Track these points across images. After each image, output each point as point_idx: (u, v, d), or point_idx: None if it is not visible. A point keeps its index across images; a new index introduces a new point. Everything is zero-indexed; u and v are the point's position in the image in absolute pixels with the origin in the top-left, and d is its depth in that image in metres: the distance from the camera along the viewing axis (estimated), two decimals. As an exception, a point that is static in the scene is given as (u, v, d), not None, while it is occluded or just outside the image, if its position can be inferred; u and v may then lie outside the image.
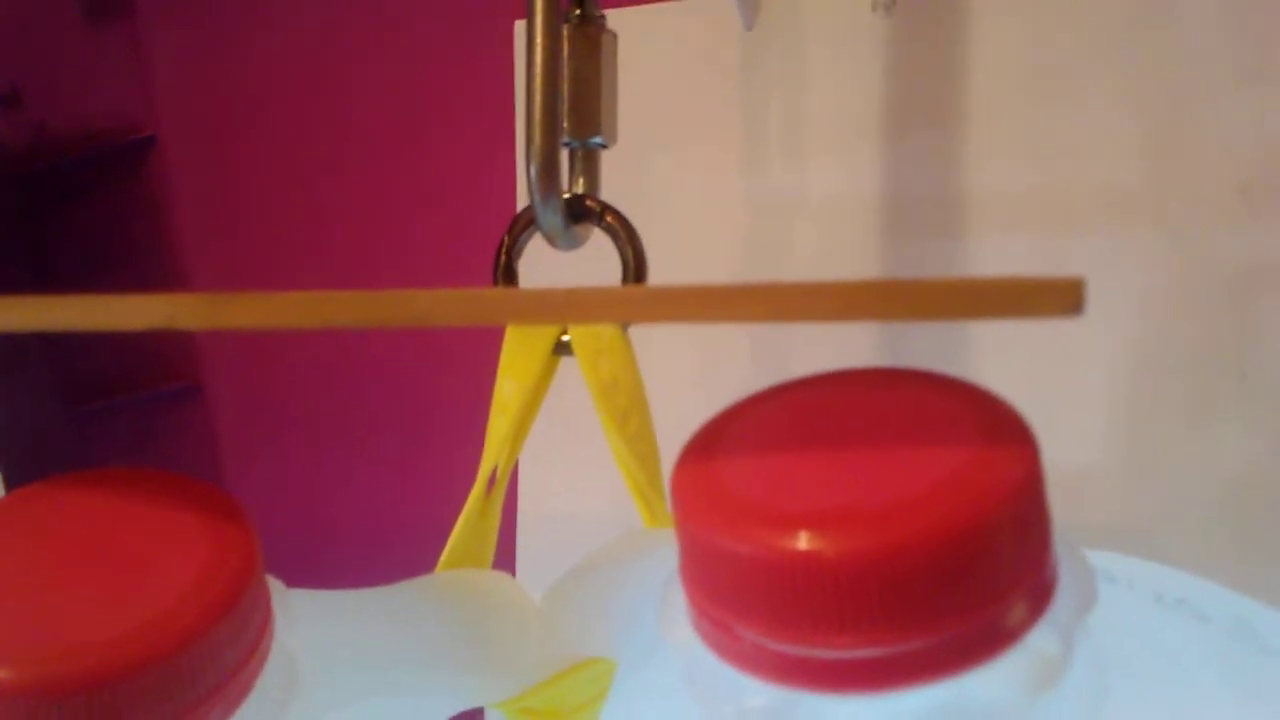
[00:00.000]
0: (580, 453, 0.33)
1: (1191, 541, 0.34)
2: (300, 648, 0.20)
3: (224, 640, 0.18)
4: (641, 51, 0.31)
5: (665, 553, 0.21)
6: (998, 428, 0.15)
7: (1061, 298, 0.13)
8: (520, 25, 0.40)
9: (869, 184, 0.36)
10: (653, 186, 0.38)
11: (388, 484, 0.44)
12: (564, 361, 0.26)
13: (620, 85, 0.27)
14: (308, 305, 0.16)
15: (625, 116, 0.27)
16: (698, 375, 0.35)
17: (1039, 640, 0.15)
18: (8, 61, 0.49)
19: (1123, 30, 0.34)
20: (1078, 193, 0.35)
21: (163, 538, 0.18)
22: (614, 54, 0.27)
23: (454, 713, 0.23)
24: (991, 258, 0.35)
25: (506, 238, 0.26)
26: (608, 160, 0.27)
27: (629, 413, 0.25)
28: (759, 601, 0.14)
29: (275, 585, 0.20)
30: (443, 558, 0.26)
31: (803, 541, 0.14)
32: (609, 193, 0.27)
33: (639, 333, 0.26)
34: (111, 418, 0.49)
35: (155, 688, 0.17)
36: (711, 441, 0.16)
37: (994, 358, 0.34)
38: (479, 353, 0.27)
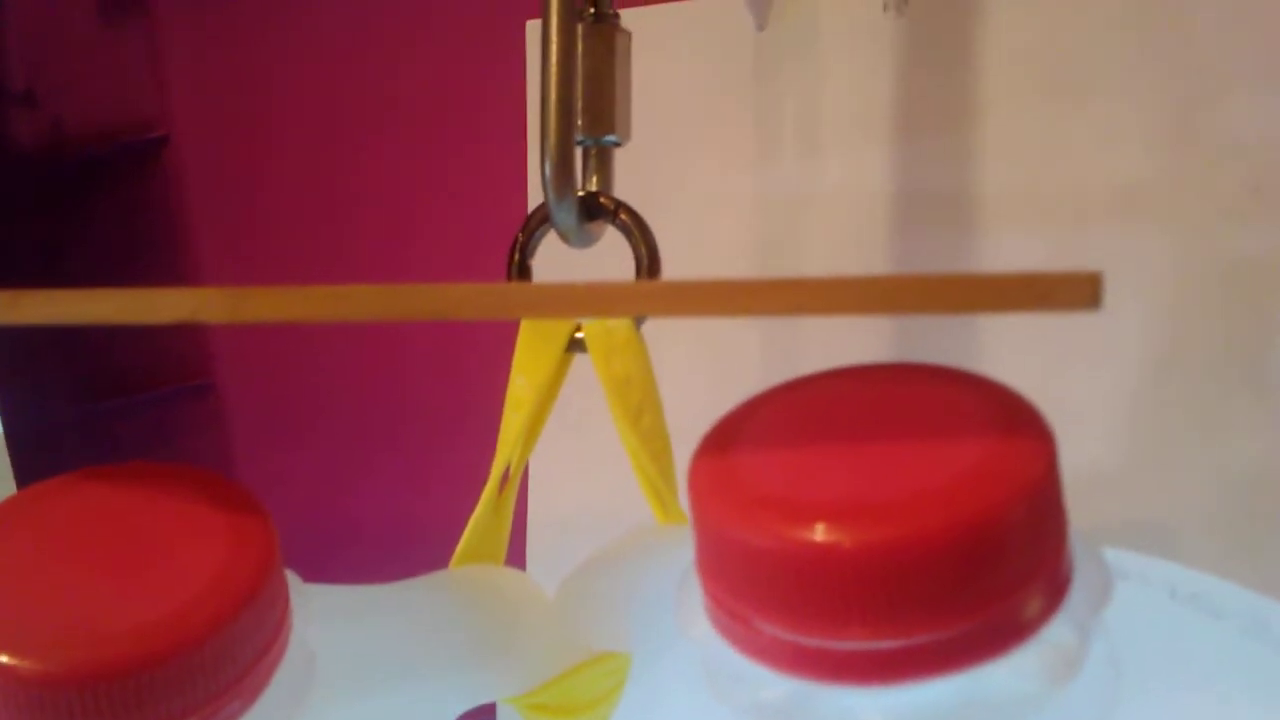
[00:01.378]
0: (590, 452, 0.33)
1: (1203, 539, 0.34)
2: (318, 641, 0.20)
3: (243, 632, 0.18)
4: (654, 51, 0.31)
5: (679, 547, 0.22)
6: (1015, 422, 0.15)
7: (1079, 292, 0.13)
8: (533, 24, 0.40)
9: (881, 182, 0.36)
10: (665, 185, 0.38)
11: (400, 481, 0.44)
12: (575, 359, 0.26)
13: (633, 84, 0.27)
14: (328, 299, 0.16)
15: (638, 115, 0.28)
16: (708, 374, 0.35)
17: (1055, 633, 0.15)
18: (23, 60, 0.49)
19: (1135, 28, 0.34)
20: (1090, 190, 0.35)
21: (182, 531, 0.18)
22: (628, 53, 0.27)
23: (467, 708, 0.24)
24: (1003, 255, 0.35)
25: (521, 235, 0.26)
26: (620, 159, 0.27)
27: (642, 409, 0.25)
28: (776, 593, 0.15)
29: (293, 579, 0.20)
30: (456, 554, 0.26)
31: (820, 533, 0.14)
32: (621, 191, 0.27)
33: (649, 331, 0.27)
34: (126, 415, 0.49)
35: (175, 679, 0.17)
36: (729, 435, 0.16)
37: (1005, 356, 0.34)
38: (492, 351, 0.28)
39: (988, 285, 0.14)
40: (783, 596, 0.14)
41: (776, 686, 0.15)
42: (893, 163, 0.36)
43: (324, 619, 0.21)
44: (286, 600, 0.19)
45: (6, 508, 0.19)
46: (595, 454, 0.34)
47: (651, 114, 0.29)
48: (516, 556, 0.38)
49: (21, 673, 0.16)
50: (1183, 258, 0.34)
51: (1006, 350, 0.34)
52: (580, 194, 0.25)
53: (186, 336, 0.47)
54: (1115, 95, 0.34)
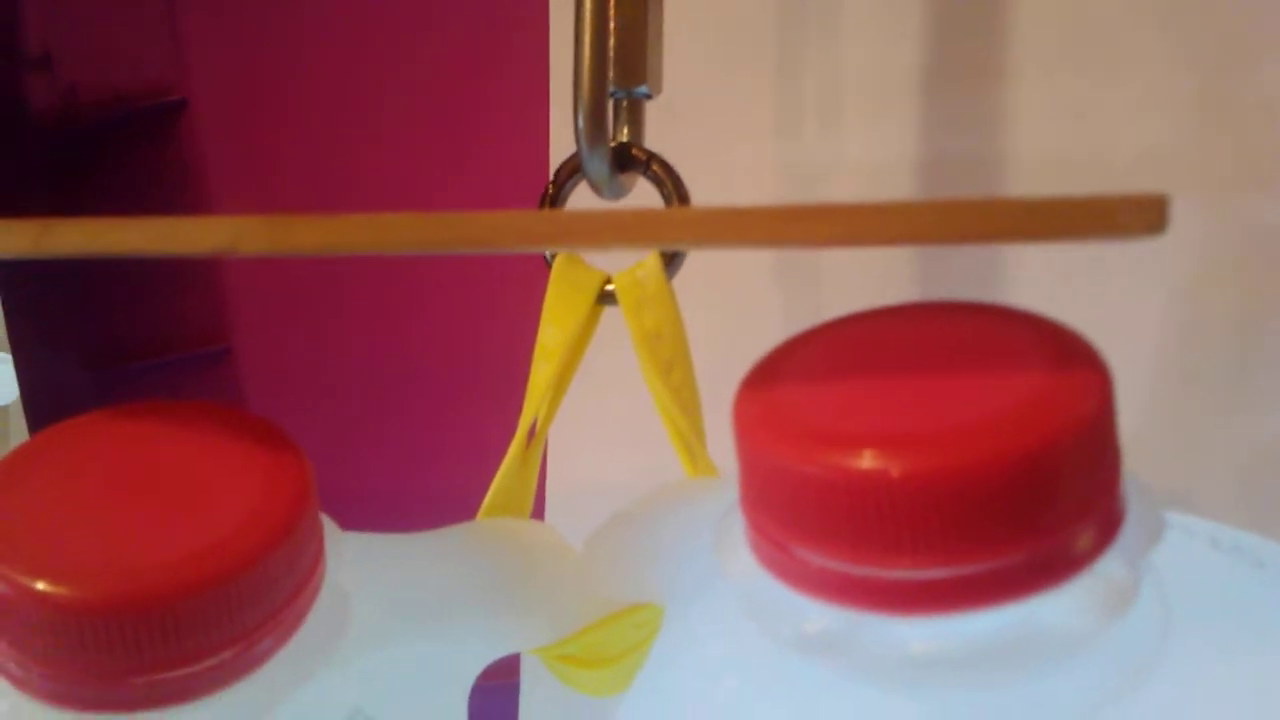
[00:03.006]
0: (610, 413, 0.33)
1: (1224, 511, 0.34)
2: (351, 585, 0.20)
3: (279, 568, 0.18)
4: (686, 4, 0.31)
5: (709, 500, 0.21)
6: (1069, 356, 0.15)
7: (1143, 215, 0.13)
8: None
9: (907, 146, 0.36)
10: (684, 152, 0.38)
11: (422, 446, 0.44)
12: (606, 313, 0.26)
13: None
14: (370, 228, 0.16)
15: (667, 69, 0.27)
16: (733, 331, 0.34)
17: (1108, 568, 0.15)
18: (39, 24, 0.49)
19: (1169, -9, 0.34)
20: (1117, 157, 0.34)
21: (219, 466, 0.18)
22: (660, 4, 0.27)
23: (496, 657, 0.23)
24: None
25: (551, 186, 0.26)
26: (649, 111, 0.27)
27: (673, 363, 0.25)
28: (822, 522, 0.14)
29: (328, 524, 0.20)
30: (483, 507, 0.26)
31: (868, 460, 0.14)
32: (650, 144, 0.27)
33: (678, 285, 0.26)
34: (140, 382, 0.49)
35: (209, 612, 0.17)
36: (777, 367, 0.16)
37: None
38: (515, 312, 0.27)
39: (1046, 209, 0.14)
40: (830, 525, 0.14)
41: (822, 616, 0.15)
42: (919, 125, 0.36)
43: (357, 563, 0.21)
44: (321, 540, 0.19)
45: (37, 442, 0.19)
46: (617, 418, 0.34)
47: (671, 77, 0.28)
48: (536, 513, 0.38)
49: (58, 599, 0.16)
50: (1210, 226, 0.34)
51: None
52: (612, 145, 0.25)
53: (204, 301, 0.47)
54: (1144, 61, 0.34)
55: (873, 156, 0.37)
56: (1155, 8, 0.34)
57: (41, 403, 0.49)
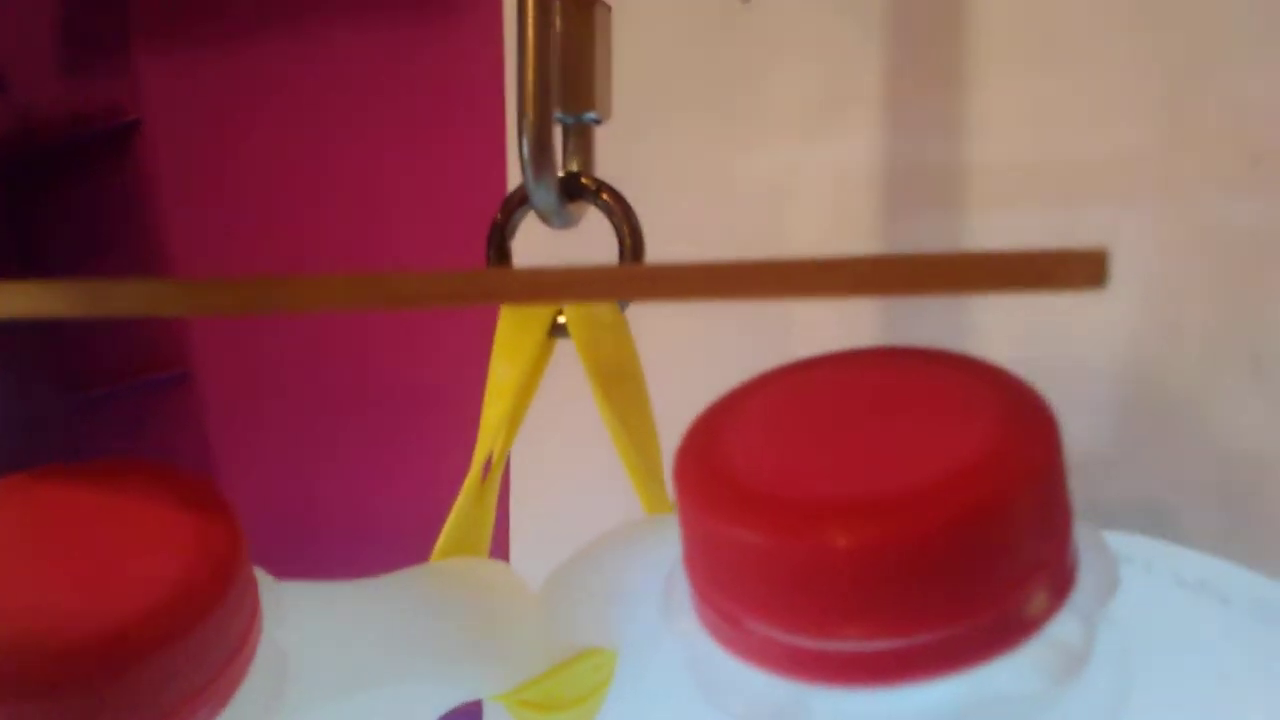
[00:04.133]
0: (575, 440, 0.32)
1: (1202, 518, 0.33)
2: (291, 641, 0.19)
3: (209, 638, 0.17)
4: (634, 25, 0.31)
5: (667, 540, 0.21)
6: (1018, 409, 0.14)
7: (1084, 270, 0.12)
8: (511, -1, 0.39)
9: (869, 156, 0.36)
10: (644, 166, 0.37)
11: (381, 472, 0.44)
12: (559, 344, 0.26)
13: (612, 61, 0.26)
14: (298, 290, 0.15)
15: (617, 92, 0.27)
16: (695, 361, 0.34)
17: (1061, 629, 0.14)
18: (-10, 45, 0.48)
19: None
20: (1084, 163, 0.34)
21: (147, 532, 0.18)
22: (608, 27, 0.26)
23: (453, 705, 0.23)
24: (997, 230, 0.34)
25: (500, 216, 0.25)
26: (599, 138, 0.26)
27: (627, 397, 0.24)
28: (767, 591, 0.14)
29: (264, 578, 0.19)
30: (438, 546, 0.25)
31: (814, 528, 0.13)
32: (601, 171, 0.26)
33: (634, 318, 0.26)
34: (103, 406, 0.48)
35: (137, 688, 0.16)
36: (716, 424, 0.15)
37: (996, 333, 0.33)
38: (472, 338, 0.27)
39: (986, 264, 0.13)
40: (774, 594, 0.14)
41: (769, 689, 0.14)
42: (881, 135, 0.35)
43: (298, 617, 0.20)
44: (256, 601, 0.19)
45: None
46: (582, 445, 0.33)
47: (631, 91, 0.28)
48: (499, 550, 0.38)
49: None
50: (1180, 231, 0.33)
51: (998, 328, 0.34)
52: (561, 174, 0.24)
53: (164, 327, 0.46)
54: (1110, 65, 0.34)
55: (836, 166, 0.36)
56: (1121, 11, 0.33)
57: (6, 426, 0.48)
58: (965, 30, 0.35)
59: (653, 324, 0.26)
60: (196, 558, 0.17)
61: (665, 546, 0.19)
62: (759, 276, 0.14)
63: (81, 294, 0.17)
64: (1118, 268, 0.36)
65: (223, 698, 0.17)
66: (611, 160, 0.27)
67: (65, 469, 0.19)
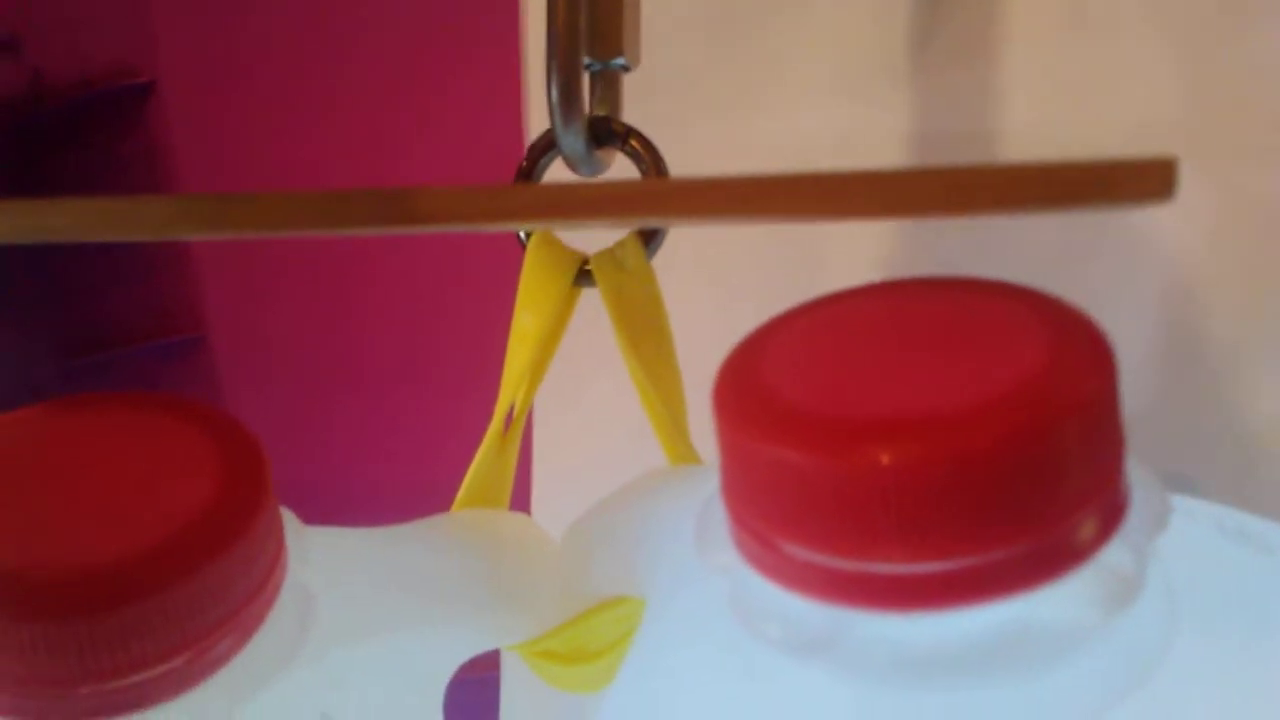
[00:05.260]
0: (598, 393, 0.32)
1: (1222, 495, 0.33)
2: (315, 582, 0.19)
3: (234, 569, 0.17)
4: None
5: (691, 488, 0.20)
6: (1071, 335, 0.14)
7: (1151, 180, 0.12)
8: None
9: (893, 122, 0.35)
10: (666, 129, 0.37)
11: (398, 433, 0.43)
12: (583, 295, 0.25)
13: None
14: (322, 206, 0.15)
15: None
16: (719, 308, 0.34)
17: (1112, 558, 0.14)
18: (5, 7, 0.47)
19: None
20: (1112, 130, 0.33)
21: (172, 461, 0.17)
22: (637, -28, 0.26)
23: (472, 654, 0.23)
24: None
25: (525, 162, 0.25)
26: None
27: (654, 346, 0.24)
28: (807, 512, 0.13)
29: (290, 519, 0.19)
30: (458, 497, 0.25)
31: (856, 445, 0.13)
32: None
33: (658, 267, 0.25)
34: (110, 371, 0.48)
35: (161, 615, 0.16)
36: (758, 348, 0.15)
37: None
38: (493, 298, 0.26)
39: (1044, 176, 0.13)
40: (816, 517, 0.13)
41: (810, 615, 0.14)
42: (905, 101, 0.35)
43: (322, 560, 0.20)
44: (281, 538, 0.18)
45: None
46: (605, 397, 0.33)
47: (647, 53, 0.27)
48: (521, 503, 0.37)
49: (-3, 607, 0.15)
50: (1206, 200, 0.33)
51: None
52: (588, 119, 0.24)
53: (177, 288, 0.46)
54: (1138, 31, 0.33)
55: (859, 133, 0.36)
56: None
57: (11, 393, 0.48)
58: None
59: (672, 276, 0.26)
60: (223, 486, 0.17)
61: (689, 495, 0.18)
62: (799, 191, 0.14)
63: (98, 214, 0.16)
64: (1147, 236, 0.36)
65: (247, 630, 0.17)
66: (630, 117, 0.26)
67: (89, 399, 0.19)
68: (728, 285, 0.36)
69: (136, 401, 0.19)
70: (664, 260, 0.25)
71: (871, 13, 0.35)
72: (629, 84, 0.26)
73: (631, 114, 0.26)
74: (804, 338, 0.15)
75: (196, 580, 0.16)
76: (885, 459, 0.13)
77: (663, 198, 0.14)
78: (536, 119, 0.33)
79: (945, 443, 0.13)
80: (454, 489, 0.25)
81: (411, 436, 0.43)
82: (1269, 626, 0.17)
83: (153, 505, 0.16)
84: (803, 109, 0.36)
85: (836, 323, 0.15)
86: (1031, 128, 0.34)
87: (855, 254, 0.34)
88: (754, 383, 0.14)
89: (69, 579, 0.15)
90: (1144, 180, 0.12)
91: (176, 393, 0.19)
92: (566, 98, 0.23)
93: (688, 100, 0.37)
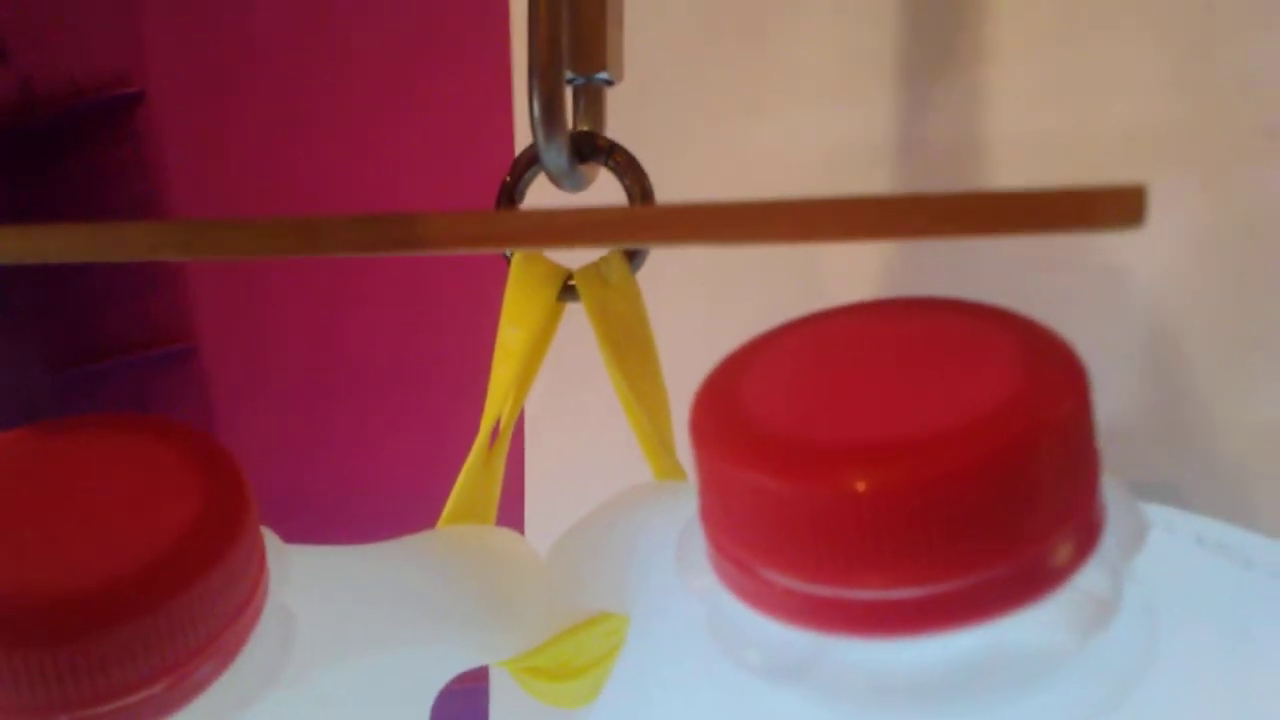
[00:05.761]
0: (590, 404, 0.32)
1: (1217, 502, 0.33)
2: (298, 603, 0.19)
3: (215, 592, 0.17)
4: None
5: (676, 504, 0.20)
6: (1045, 357, 0.14)
7: (1122, 207, 0.12)
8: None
9: (881, 129, 0.35)
10: (653, 136, 0.37)
11: (388, 444, 0.43)
12: (570, 309, 0.25)
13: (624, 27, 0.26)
14: (303, 231, 0.15)
15: (629, 59, 0.26)
16: (706, 325, 0.34)
17: (1088, 581, 0.14)
18: (-8, 15, 0.47)
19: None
20: (1100, 136, 0.33)
21: (154, 484, 0.17)
22: (620, -14, 0.25)
23: (459, 671, 0.23)
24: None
25: (509, 178, 0.25)
26: (612, 107, 0.26)
27: (638, 360, 0.24)
28: (784, 538, 0.13)
29: (272, 540, 0.19)
30: (444, 513, 0.25)
31: (833, 472, 0.13)
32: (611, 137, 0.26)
33: (645, 281, 0.25)
34: (102, 382, 0.48)
35: (141, 640, 0.16)
36: (734, 371, 0.15)
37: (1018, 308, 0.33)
38: (478, 312, 0.26)
39: (1019, 203, 0.13)
40: (791, 542, 0.13)
41: (787, 641, 0.14)
42: (895, 111, 0.35)
43: (305, 580, 0.20)
44: (263, 559, 0.18)
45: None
46: (598, 409, 0.33)
47: (639, 60, 0.27)
48: (514, 517, 0.37)
49: (-26, 633, 0.15)
50: (1197, 205, 0.33)
51: (1017, 303, 0.33)
52: (571, 134, 0.24)
53: (169, 300, 0.46)
54: (1127, 37, 0.33)
55: (846, 141, 0.36)
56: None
57: (4, 403, 0.48)
58: (978, 5, 0.34)
59: (661, 290, 0.26)
60: (203, 510, 0.17)
61: (674, 510, 0.18)
62: (781, 217, 0.14)
63: (85, 237, 0.16)
64: (1133, 245, 0.36)
65: (229, 653, 0.17)
66: (621, 130, 0.26)
67: (70, 422, 0.19)
68: (715, 297, 0.36)
69: (116, 424, 0.18)
70: (651, 272, 0.25)
71: (866, 18, 0.35)
72: (622, 91, 0.26)
73: (625, 121, 0.26)
74: (779, 361, 0.15)
75: (177, 605, 0.16)
76: (861, 486, 0.13)
77: (645, 224, 0.14)
78: (524, 133, 0.33)
79: (920, 469, 0.13)
80: (445, 500, 0.25)
81: (402, 447, 0.43)
82: (1248, 639, 0.17)
83: (133, 529, 0.16)
84: (797, 114, 0.36)
85: (811, 346, 0.15)
86: (1025, 132, 0.34)
87: (845, 265, 0.34)
88: (730, 409, 0.14)
89: (47, 605, 0.15)
90: (1117, 207, 0.12)
91: (158, 415, 0.19)
92: (548, 113, 0.23)
93: (682, 106, 0.37)
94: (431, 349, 0.42)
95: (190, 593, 0.16)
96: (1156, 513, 0.19)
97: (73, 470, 0.18)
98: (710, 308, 0.35)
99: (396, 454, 0.43)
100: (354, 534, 0.22)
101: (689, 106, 0.37)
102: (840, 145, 0.36)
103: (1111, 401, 0.34)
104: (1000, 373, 0.14)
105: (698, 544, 0.15)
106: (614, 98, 0.26)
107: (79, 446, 0.18)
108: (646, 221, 0.14)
